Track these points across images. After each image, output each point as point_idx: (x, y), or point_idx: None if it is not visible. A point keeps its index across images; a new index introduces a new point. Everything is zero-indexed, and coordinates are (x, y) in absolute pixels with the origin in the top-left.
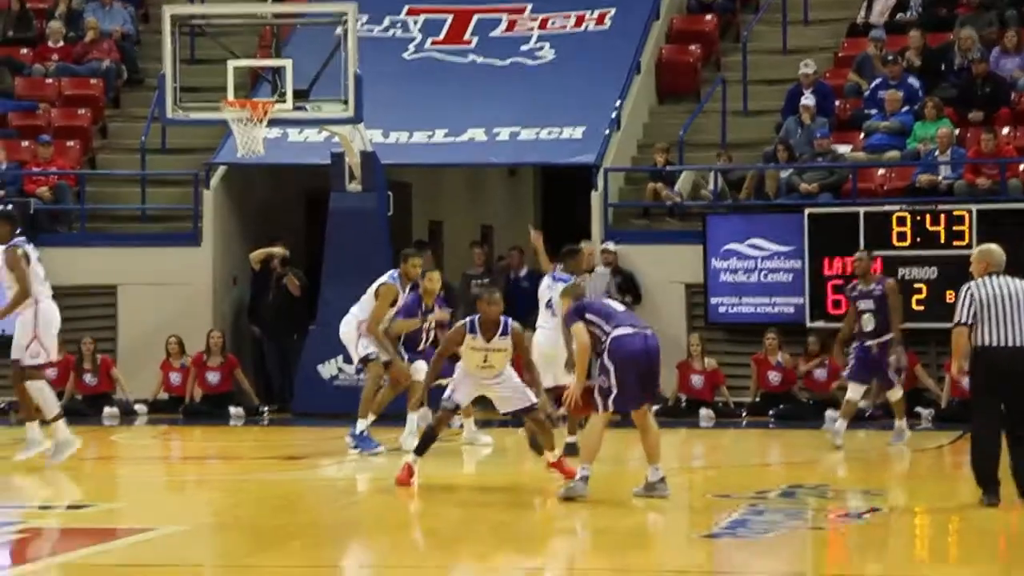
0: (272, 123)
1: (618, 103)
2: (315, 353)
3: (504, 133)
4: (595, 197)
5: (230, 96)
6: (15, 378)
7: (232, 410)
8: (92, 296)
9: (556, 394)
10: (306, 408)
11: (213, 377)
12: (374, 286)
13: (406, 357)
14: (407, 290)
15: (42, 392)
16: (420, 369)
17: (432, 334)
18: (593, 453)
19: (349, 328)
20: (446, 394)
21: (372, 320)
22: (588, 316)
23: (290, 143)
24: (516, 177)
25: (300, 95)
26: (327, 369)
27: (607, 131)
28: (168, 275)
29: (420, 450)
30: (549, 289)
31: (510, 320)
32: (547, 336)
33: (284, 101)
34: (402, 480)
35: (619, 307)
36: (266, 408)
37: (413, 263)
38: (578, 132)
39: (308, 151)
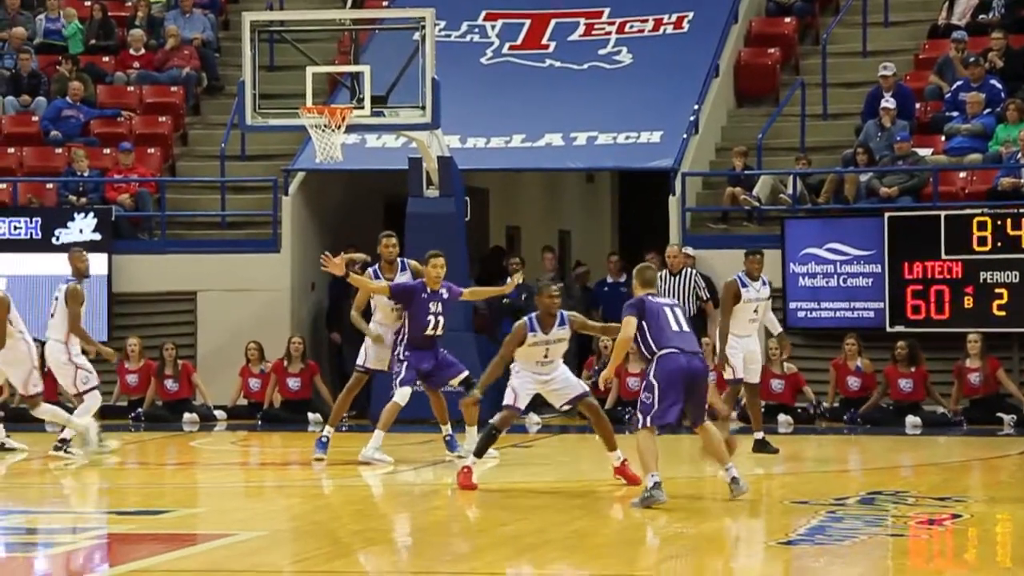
0: (350, 129)
1: (696, 107)
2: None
3: (581, 138)
4: (673, 202)
5: (309, 102)
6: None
7: (311, 416)
8: (172, 302)
9: None
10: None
11: (294, 383)
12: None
13: (403, 369)
14: (387, 273)
15: (51, 412)
16: (404, 395)
17: (441, 320)
18: (654, 460)
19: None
20: (507, 399)
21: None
22: (645, 320)
23: (368, 149)
24: (594, 182)
25: (378, 101)
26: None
27: (685, 135)
28: (247, 281)
29: (480, 452)
30: None
31: (564, 312)
32: None
33: (362, 107)
34: (465, 484)
35: (675, 326)
36: (345, 414)
37: (386, 243)
38: (656, 136)
39: (386, 157)
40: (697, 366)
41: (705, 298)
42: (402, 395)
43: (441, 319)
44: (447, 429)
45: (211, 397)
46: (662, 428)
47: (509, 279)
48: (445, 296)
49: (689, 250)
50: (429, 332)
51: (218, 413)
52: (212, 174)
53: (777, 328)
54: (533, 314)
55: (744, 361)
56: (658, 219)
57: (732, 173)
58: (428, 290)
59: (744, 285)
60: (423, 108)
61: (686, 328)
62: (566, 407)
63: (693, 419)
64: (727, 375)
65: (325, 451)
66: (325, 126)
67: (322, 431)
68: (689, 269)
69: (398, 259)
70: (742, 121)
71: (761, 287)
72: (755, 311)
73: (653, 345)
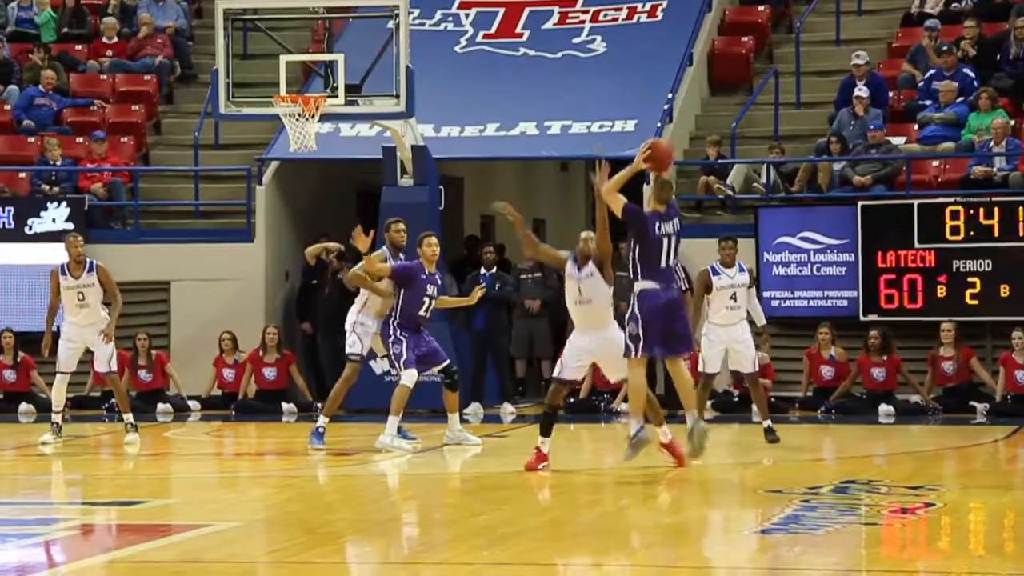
0: (324, 118)
1: (670, 96)
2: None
3: (556, 127)
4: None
5: (282, 91)
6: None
7: (285, 406)
8: (146, 292)
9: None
10: (359, 404)
11: (270, 373)
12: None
13: (403, 350)
14: (396, 258)
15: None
16: (411, 376)
17: (432, 303)
18: (643, 405)
19: (347, 321)
20: (556, 371)
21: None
22: (644, 242)
23: (342, 138)
24: (568, 171)
25: (352, 89)
26: (379, 365)
27: (659, 124)
28: (221, 271)
29: (546, 431)
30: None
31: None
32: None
33: (336, 96)
34: (531, 465)
35: (664, 262)
36: (319, 404)
37: (397, 228)
38: (630, 125)
39: (360, 146)
40: (673, 298)
41: (683, 288)
42: (409, 377)
43: (433, 302)
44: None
45: (185, 387)
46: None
47: (473, 291)
48: (439, 280)
49: None
50: (423, 313)
51: (192, 403)
52: (186, 163)
53: (761, 320)
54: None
55: (731, 351)
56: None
57: (706, 162)
58: (426, 271)
59: (716, 273)
60: (397, 97)
61: (672, 262)
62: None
63: (669, 349)
64: (700, 367)
65: (323, 441)
66: (299, 115)
67: (317, 422)
68: None
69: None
70: (716, 110)
71: (737, 273)
72: (732, 298)
73: (640, 271)
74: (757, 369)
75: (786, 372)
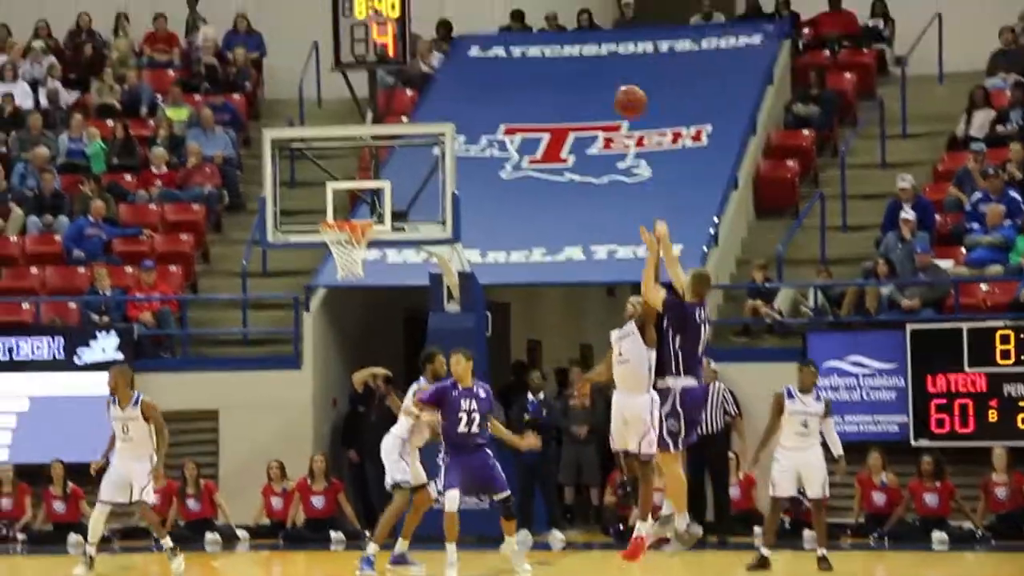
0: (371, 245)
1: (716, 219)
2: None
3: (602, 251)
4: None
5: (329, 218)
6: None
7: (333, 535)
8: (194, 420)
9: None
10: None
11: (318, 502)
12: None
13: (443, 473)
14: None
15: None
16: (453, 499)
17: (476, 418)
18: (685, 498)
19: (388, 448)
20: (612, 445)
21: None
22: (682, 332)
23: (389, 264)
24: (615, 296)
25: (398, 216)
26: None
27: (705, 248)
28: (269, 399)
29: (643, 514)
30: None
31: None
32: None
33: (383, 222)
34: (632, 554)
35: (700, 352)
36: (368, 532)
37: (440, 361)
38: (676, 250)
39: (407, 272)
40: (705, 389)
41: (733, 413)
42: (450, 501)
43: (476, 416)
44: (404, 546)
45: (234, 516)
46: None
47: (525, 437)
48: (482, 395)
49: (713, 364)
50: (463, 430)
51: (241, 533)
52: (234, 291)
53: (837, 450)
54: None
55: (799, 476)
56: None
57: (753, 286)
58: (459, 387)
59: (791, 396)
60: (443, 223)
61: (700, 352)
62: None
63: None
64: (771, 492)
65: (373, 569)
66: (346, 242)
67: (367, 550)
68: (716, 383)
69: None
70: (762, 233)
71: (812, 401)
72: (804, 424)
73: (678, 366)
74: (826, 495)
75: (838, 499)
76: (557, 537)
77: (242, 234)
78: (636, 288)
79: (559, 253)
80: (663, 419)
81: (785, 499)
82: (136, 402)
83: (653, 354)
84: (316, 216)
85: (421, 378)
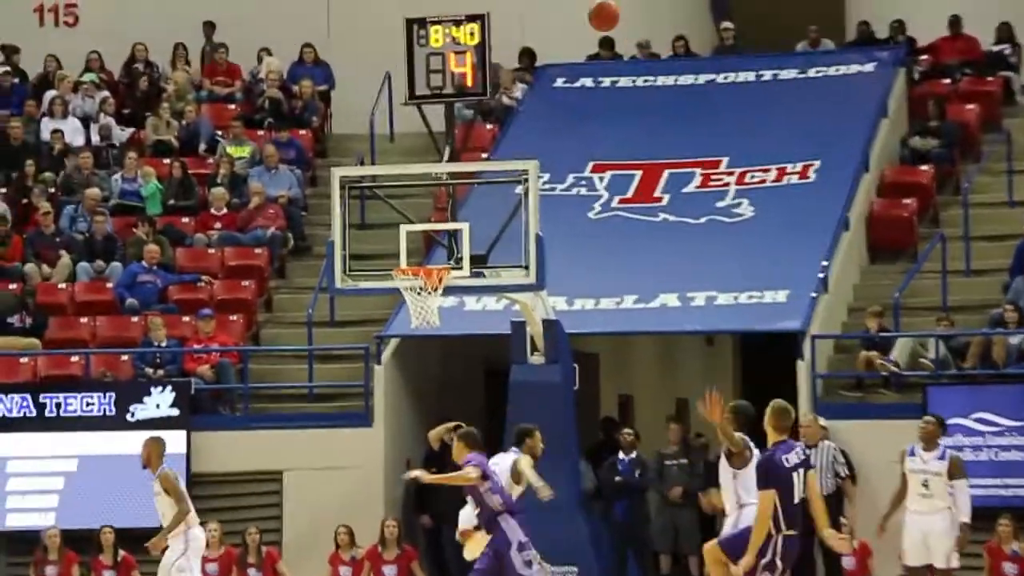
0: (448, 291)
1: (825, 263)
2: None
3: (699, 298)
4: (801, 367)
5: (403, 263)
6: None
7: None
8: (256, 483)
9: None
10: None
11: (389, 571)
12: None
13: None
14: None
15: None
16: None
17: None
18: None
19: (467, 517)
20: None
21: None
22: (778, 489)
23: (467, 312)
24: (714, 346)
25: (478, 260)
26: (515, 560)
27: (814, 294)
28: (337, 458)
29: None
30: None
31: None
32: None
33: (460, 267)
34: None
35: (797, 498)
36: None
37: (538, 438)
38: (781, 296)
39: (486, 321)
40: (798, 543)
41: (844, 474)
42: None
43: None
44: None
45: None
46: None
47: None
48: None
49: (822, 421)
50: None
51: None
52: (299, 342)
53: (963, 515)
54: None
55: (922, 543)
56: (786, 386)
57: (866, 336)
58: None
59: (912, 454)
60: (526, 268)
61: (798, 499)
62: None
63: None
64: (900, 559)
65: None
66: (420, 288)
67: None
68: (825, 442)
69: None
70: (876, 278)
71: (933, 459)
72: (924, 485)
73: (777, 521)
74: (950, 567)
75: (965, 570)
76: None
77: (308, 280)
78: (740, 338)
79: (653, 300)
80: (760, 569)
81: (918, 568)
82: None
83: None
84: (388, 261)
85: (514, 449)
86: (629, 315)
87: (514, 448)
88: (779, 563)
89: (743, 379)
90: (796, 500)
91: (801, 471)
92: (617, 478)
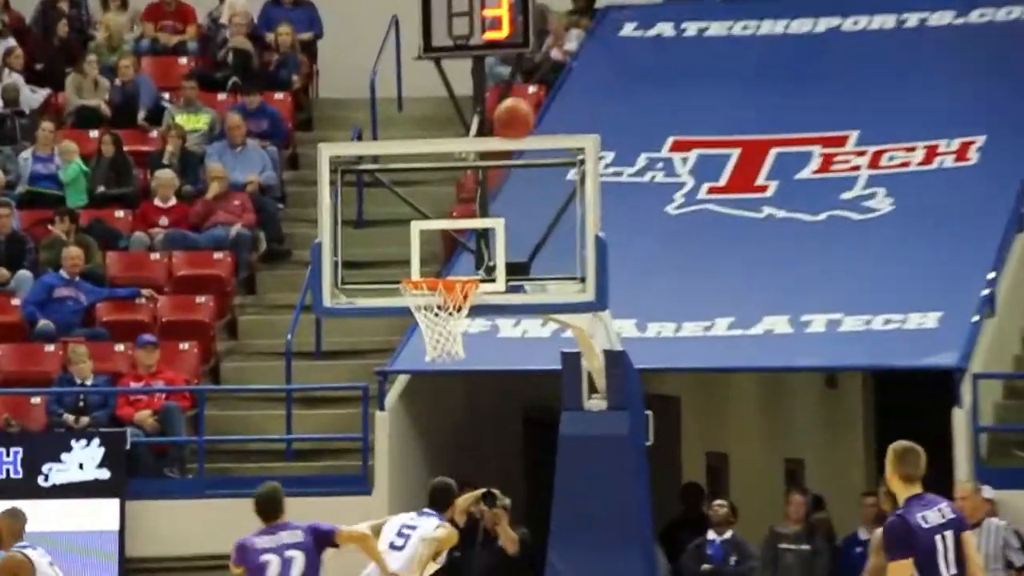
0: (475, 312)
1: (991, 275)
2: None
3: (818, 323)
4: (960, 417)
5: (414, 274)
6: None
7: None
8: (213, 571)
9: None
10: None
11: None
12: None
13: None
14: None
15: None
16: None
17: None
18: None
19: None
20: None
21: None
22: (916, 559)
23: (501, 340)
24: (837, 388)
25: (516, 270)
26: None
27: (976, 317)
28: None
29: None
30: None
31: None
32: None
33: (493, 280)
34: None
35: (945, 569)
36: None
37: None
38: (930, 320)
39: (528, 352)
40: None
41: (1020, 564)
42: None
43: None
44: None
45: None
46: None
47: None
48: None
49: (988, 491)
50: None
51: None
52: (274, 380)
53: None
54: None
55: None
56: (936, 443)
57: None
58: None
59: None
60: (582, 280)
61: (948, 572)
62: None
63: None
64: None
65: None
66: (439, 308)
67: None
68: (992, 520)
69: None
70: None
71: None
72: None
73: None
74: None
75: None
76: None
77: (286, 296)
78: (873, 379)
79: (754, 324)
80: None
81: None
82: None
83: None
84: (395, 270)
85: (428, 511)
86: (722, 345)
87: (429, 511)
88: None
89: (876, 433)
90: (947, 574)
91: (949, 534)
92: (705, 567)
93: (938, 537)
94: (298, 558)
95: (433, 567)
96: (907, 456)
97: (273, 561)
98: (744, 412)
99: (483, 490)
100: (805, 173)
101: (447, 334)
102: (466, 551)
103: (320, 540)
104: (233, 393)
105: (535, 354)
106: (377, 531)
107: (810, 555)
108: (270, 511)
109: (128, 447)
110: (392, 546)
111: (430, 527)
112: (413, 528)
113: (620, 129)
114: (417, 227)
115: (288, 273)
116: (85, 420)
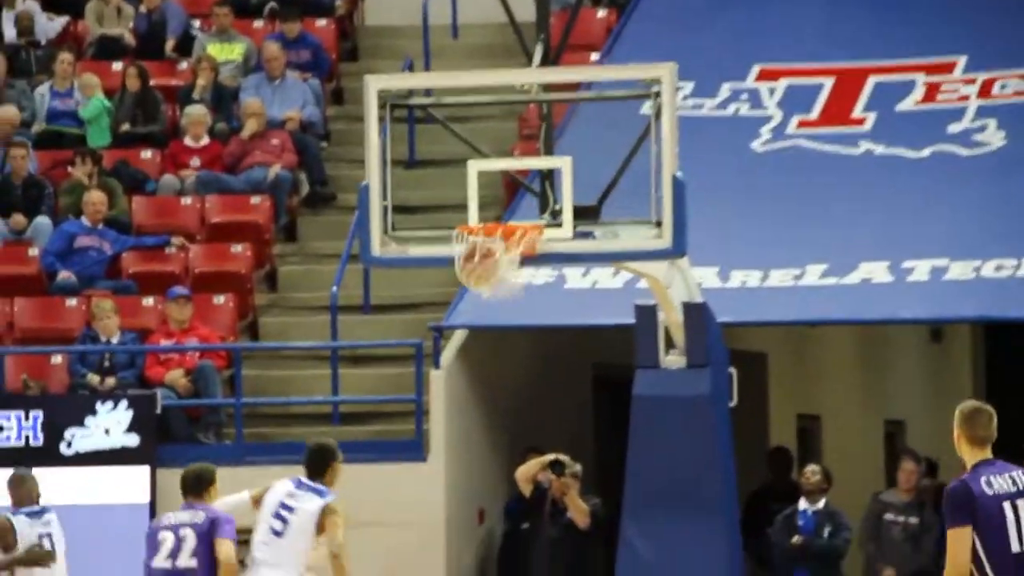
0: (540, 260)
1: None
2: None
3: (921, 270)
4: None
5: (472, 219)
6: None
7: None
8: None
9: None
10: None
11: None
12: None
13: None
14: None
15: None
16: None
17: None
18: None
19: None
20: None
21: None
22: (978, 527)
23: (568, 292)
24: (943, 342)
25: (585, 214)
26: None
27: None
28: (374, 509)
29: None
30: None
31: None
32: None
33: (559, 225)
34: None
35: (1018, 541)
36: None
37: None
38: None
39: (597, 305)
40: None
41: None
42: None
43: None
44: None
45: None
46: None
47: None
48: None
49: None
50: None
51: None
52: (318, 337)
53: None
54: None
55: None
56: None
57: None
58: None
59: None
60: (658, 225)
61: (1019, 546)
62: None
63: None
64: None
65: None
66: (500, 256)
67: None
68: None
69: None
70: None
71: None
72: None
73: (989, 568)
74: None
75: None
76: None
77: (331, 245)
78: (983, 331)
79: (850, 272)
80: None
81: None
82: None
83: None
84: (450, 215)
85: (302, 481)
86: (815, 296)
87: (307, 481)
88: None
89: (988, 391)
90: (1017, 547)
91: (1022, 503)
92: (796, 539)
93: (1007, 505)
94: (189, 539)
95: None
96: (976, 417)
97: (167, 539)
98: (838, 370)
99: (551, 456)
100: (907, 104)
101: (508, 285)
102: (533, 523)
103: (213, 530)
104: (273, 351)
105: (606, 307)
106: (258, 500)
107: (919, 529)
108: (189, 490)
109: (158, 411)
110: (273, 532)
111: (313, 509)
112: (292, 510)
113: (699, 57)
114: (475, 167)
115: (333, 219)
116: (111, 381)
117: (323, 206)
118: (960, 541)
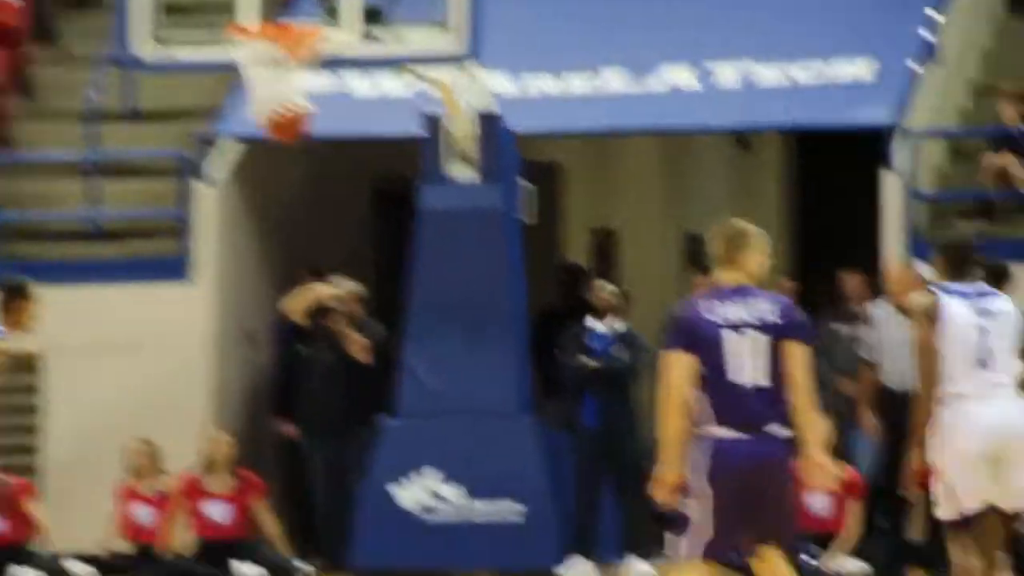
0: (319, 66)
1: (933, 13)
2: (390, 466)
3: (727, 73)
4: (892, 182)
5: (245, 19)
6: None
7: (245, 570)
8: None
9: None
10: (374, 562)
11: (217, 512)
12: None
13: None
14: None
15: None
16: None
17: None
18: None
19: None
20: None
21: None
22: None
23: (353, 102)
24: (750, 151)
25: (370, 17)
26: (410, 494)
27: (913, 64)
28: (133, 333)
29: None
30: None
31: None
32: None
33: (340, 26)
34: None
35: (743, 375)
36: (301, 566)
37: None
38: (863, 69)
39: (381, 114)
40: (769, 457)
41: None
42: None
43: None
44: None
45: (64, 538)
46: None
47: None
48: None
49: (924, 268)
50: None
51: (77, 568)
52: (74, 147)
53: None
54: None
55: (984, 458)
56: (863, 213)
57: (1000, 132)
58: None
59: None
60: (448, 26)
61: (763, 379)
62: None
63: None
64: (941, 513)
65: None
66: (276, 60)
67: None
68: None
69: None
70: (1018, 41)
71: (984, 299)
72: (983, 344)
73: (707, 415)
74: None
75: None
76: (639, 571)
77: (91, 46)
78: (793, 140)
79: (650, 75)
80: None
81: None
82: None
83: None
84: (222, 15)
85: None
86: (614, 103)
87: None
88: (707, 488)
89: (796, 203)
90: (742, 380)
91: (751, 333)
92: (587, 360)
93: (728, 333)
94: None
95: None
96: (730, 237)
97: None
98: (638, 180)
99: (325, 288)
100: None
101: (284, 93)
102: (308, 348)
103: None
104: (26, 162)
105: (391, 118)
106: None
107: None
108: None
109: None
110: None
111: None
112: None
113: None
114: None
115: (94, 18)
116: None
117: (84, 5)
118: (671, 366)
